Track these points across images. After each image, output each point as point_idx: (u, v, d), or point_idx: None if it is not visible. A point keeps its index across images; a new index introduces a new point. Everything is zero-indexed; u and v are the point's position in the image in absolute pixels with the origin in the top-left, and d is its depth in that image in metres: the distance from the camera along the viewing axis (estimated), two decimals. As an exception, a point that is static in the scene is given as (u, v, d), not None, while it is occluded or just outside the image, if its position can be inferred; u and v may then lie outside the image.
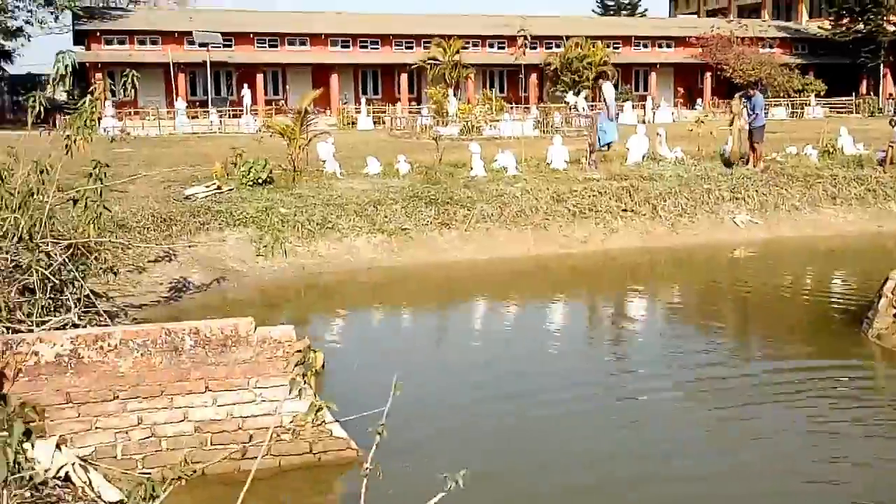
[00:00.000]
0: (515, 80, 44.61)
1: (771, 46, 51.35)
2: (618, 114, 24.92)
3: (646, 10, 71.54)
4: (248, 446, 6.21)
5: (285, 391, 6.32)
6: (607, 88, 24.24)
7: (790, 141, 22.34)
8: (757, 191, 17.83)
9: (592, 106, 38.90)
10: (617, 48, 48.98)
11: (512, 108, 36.87)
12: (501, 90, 46.10)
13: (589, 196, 16.72)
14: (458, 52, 41.41)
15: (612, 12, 69.71)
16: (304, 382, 4.15)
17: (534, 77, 45.97)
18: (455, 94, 37.27)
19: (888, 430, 7.38)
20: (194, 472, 5.38)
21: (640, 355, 10.10)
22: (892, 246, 16.62)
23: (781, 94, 46.53)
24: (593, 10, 71.74)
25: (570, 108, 36.44)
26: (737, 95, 22.02)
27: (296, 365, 4.13)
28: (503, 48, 47.53)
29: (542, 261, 15.14)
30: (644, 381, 8.88)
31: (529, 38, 37.20)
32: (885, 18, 47.81)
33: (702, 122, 21.35)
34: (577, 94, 39.95)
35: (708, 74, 49.25)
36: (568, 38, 45.85)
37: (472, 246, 15.28)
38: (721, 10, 63.45)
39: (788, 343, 10.20)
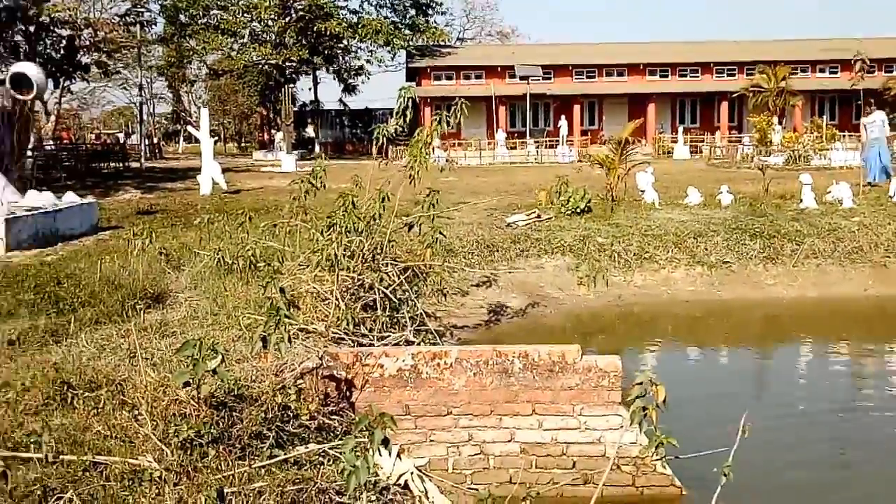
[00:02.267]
0: (848, 106, 41.51)
1: None
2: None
3: None
4: (584, 473, 6.24)
5: (609, 421, 6.31)
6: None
7: None
8: None
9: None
10: (972, 69, 43.91)
11: (844, 136, 34.30)
12: (832, 118, 43.14)
13: (939, 233, 15.06)
14: (784, 78, 39.35)
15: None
16: (645, 416, 4.10)
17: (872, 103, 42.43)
18: (780, 122, 35.41)
19: None
20: (538, 493, 5.51)
21: None
22: None
23: None
24: (942, 28, 64.91)
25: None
26: None
27: (637, 397, 4.09)
28: (835, 73, 44.48)
29: (882, 302, 13.83)
30: None
31: (867, 61, 34.46)
32: None
33: None
34: (921, 120, 36.26)
35: None
36: (911, 59, 41.86)
37: (800, 283, 14.34)
38: None
39: None
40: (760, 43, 48.29)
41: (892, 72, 43.63)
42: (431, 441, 6.37)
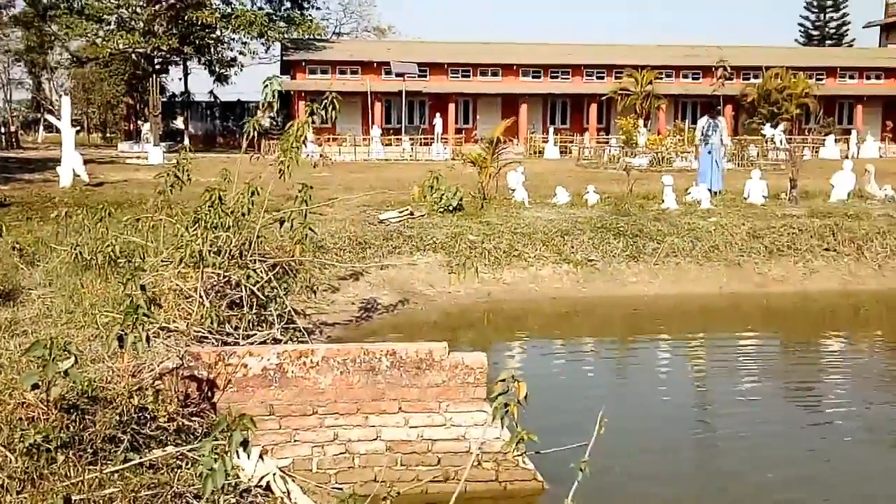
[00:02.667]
0: (708, 111, 43.45)
1: None
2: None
3: (853, 40, 67.83)
4: (445, 470, 6.29)
5: (474, 417, 6.39)
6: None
7: None
8: (979, 235, 16.40)
9: (790, 139, 37.25)
10: (820, 79, 46.70)
11: (704, 140, 35.82)
12: (694, 121, 44.98)
13: (788, 233, 15.95)
14: (650, 82, 40.83)
15: (815, 42, 66.57)
16: (506, 412, 4.17)
17: (729, 109, 44.54)
18: (645, 125, 36.72)
19: None
20: (398, 492, 5.51)
21: (832, 403, 9.49)
22: None
23: None
24: (796, 40, 68.79)
25: (768, 141, 35.01)
26: None
27: (499, 394, 4.15)
28: (698, 78, 46.44)
29: (735, 299, 14.55)
30: (833, 429, 8.35)
31: (728, 68, 36.12)
32: None
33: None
34: (774, 126, 38.34)
35: (922, 107, 46.00)
36: (767, 68, 44.15)
37: (660, 280, 14.92)
38: (939, 39, 59.15)
39: None
40: (629, 47, 49.91)
41: (749, 79, 45.90)
42: (296, 441, 6.29)
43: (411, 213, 16.21)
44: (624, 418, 8.48)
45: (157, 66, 47.70)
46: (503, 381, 4.11)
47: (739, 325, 13.41)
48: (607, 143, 37.36)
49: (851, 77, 48.67)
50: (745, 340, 12.53)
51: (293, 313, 9.89)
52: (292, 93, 43.07)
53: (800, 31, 69.28)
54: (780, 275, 15.23)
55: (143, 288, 6.21)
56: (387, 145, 39.97)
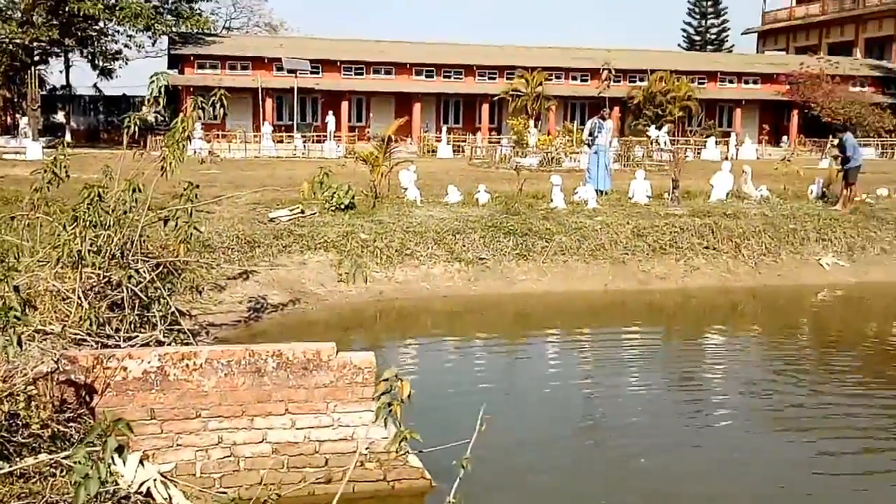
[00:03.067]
0: (598, 112, 44.49)
1: (862, 85, 50.14)
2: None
3: (733, 45, 70.67)
4: (329, 471, 6.25)
5: (362, 417, 6.37)
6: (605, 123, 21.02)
7: (881, 183, 21.75)
8: (845, 232, 17.36)
9: (674, 141, 38.52)
10: (702, 83, 48.46)
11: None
12: (583, 122, 46.00)
13: (670, 232, 16.50)
14: (540, 83, 41.54)
15: (697, 47, 69.03)
16: (390, 411, 4.17)
17: (616, 110, 45.74)
18: (536, 126, 37.34)
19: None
20: (278, 496, 5.44)
21: (712, 393, 9.91)
22: None
23: (872, 135, 45.29)
24: (679, 45, 71.19)
25: (653, 143, 36.12)
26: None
27: (383, 393, 4.15)
28: (586, 80, 47.48)
29: (620, 296, 14.97)
30: (713, 419, 8.72)
31: (613, 71, 37.10)
32: (983, 59, 46.30)
33: (788, 160, 20.91)
34: (659, 128, 39.60)
35: (795, 112, 48.29)
36: (652, 72, 45.55)
37: (549, 278, 15.21)
38: (811, 47, 62.20)
39: (874, 396, 9.82)
40: (520, 49, 50.64)
41: (635, 82, 47.25)
42: (179, 445, 6.15)
43: (302, 212, 16.04)
44: (512, 413, 8.65)
45: (36, 58, 45.67)
46: (386, 380, 4.12)
47: (624, 320, 13.81)
48: (499, 142, 37.82)
49: (731, 81, 50.67)
50: (630, 335, 12.92)
51: (178, 314, 9.64)
52: (180, 88, 41.99)
53: (683, 36, 71.82)
54: (662, 272, 15.75)
55: (16, 289, 5.96)
56: (278, 142, 39.41)
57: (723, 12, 69.90)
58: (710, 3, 69.78)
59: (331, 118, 41.80)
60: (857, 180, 18.64)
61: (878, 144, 44.58)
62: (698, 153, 39.53)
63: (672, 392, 10.18)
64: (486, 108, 46.09)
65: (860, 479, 7.33)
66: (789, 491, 7.07)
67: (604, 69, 34.52)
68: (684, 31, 71.39)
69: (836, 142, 19.90)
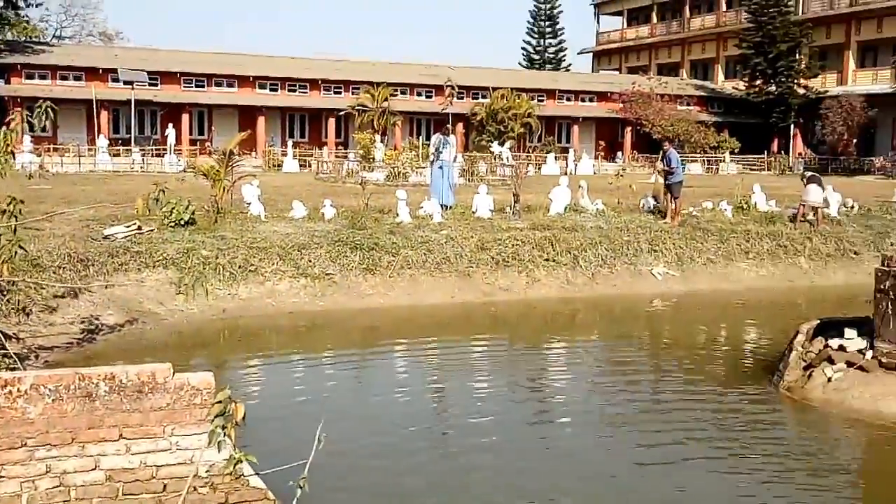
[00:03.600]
0: (440, 128, 45.13)
1: (688, 104, 53.18)
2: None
3: (570, 65, 73.40)
4: (162, 497, 6.05)
5: (202, 440, 6.19)
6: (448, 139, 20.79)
7: (706, 196, 23.14)
8: (674, 244, 18.32)
9: (516, 156, 39.57)
10: (541, 100, 50.14)
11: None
12: (428, 138, 46.57)
13: (512, 245, 16.94)
14: (386, 99, 41.78)
15: (537, 66, 71.29)
16: (224, 434, 4.09)
17: (460, 126, 46.58)
18: (382, 141, 37.51)
19: (795, 478, 7.60)
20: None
21: (555, 401, 10.26)
22: (802, 300, 17.22)
23: (698, 151, 48.10)
24: (519, 63, 73.28)
25: (496, 158, 36.99)
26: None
27: (217, 416, 4.06)
28: (431, 97, 48.16)
29: (466, 308, 15.24)
30: (554, 427, 9.04)
31: (456, 88, 37.74)
32: (795, 81, 50.13)
33: (621, 175, 21.90)
34: (501, 144, 40.61)
35: (628, 129, 50.70)
36: (494, 89, 46.69)
37: (396, 292, 15.30)
38: (641, 67, 65.60)
39: (701, 393, 10.43)
40: (365, 64, 50.81)
41: (478, 98, 48.31)
42: (1, 477, 5.78)
43: (139, 228, 15.48)
44: (359, 426, 8.66)
45: None
46: (220, 402, 4.04)
47: (470, 331, 14.06)
48: (346, 157, 37.77)
49: (569, 99, 52.65)
50: (475, 345, 13.17)
51: (3, 338, 9.14)
52: (6, 98, 39.72)
53: (523, 55, 73.91)
54: (505, 284, 16.15)
55: None
56: (115, 156, 37.85)
57: (560, 32, 72.50)
58: (547, 23, 72.20)
59: (171, 131, 40.54)
60: (681, 194, 19.70)
61: (703, 160, 47.38)
62: (539, 168, 40.78)
63: (516, 397, 10.46)
64: (332, 122, 45.95)
65: (681, 465, 7.76)
66: (618, 482, 7.45)
67: (447, 86, 34.94)
68: (524, 49, 73.58)
69: (661, 154, 20.90)
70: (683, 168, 20.29)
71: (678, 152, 21.55)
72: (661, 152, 19.99)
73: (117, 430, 6.03)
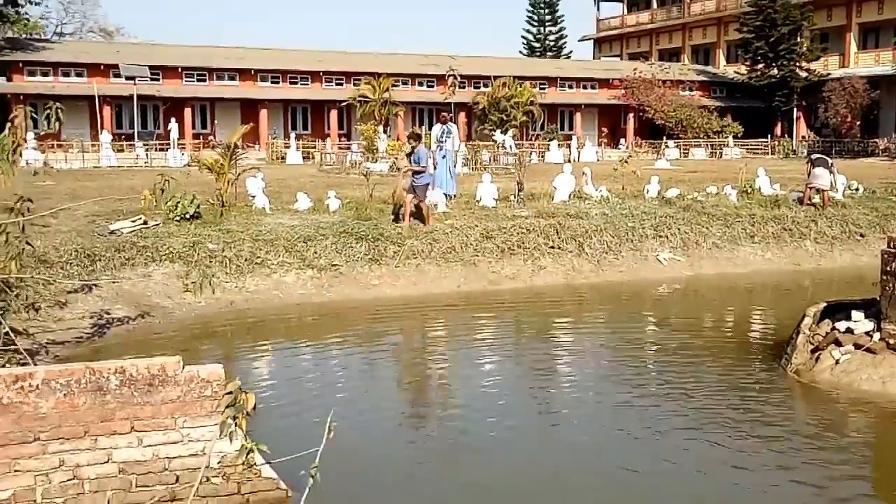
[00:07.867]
0: (442, 117, 45.09)
1: (691, 89, 53.06)
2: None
3: (570, 52, 73.21)
4: (175, 488, 6.09)
5: (213, 431, 6.24)
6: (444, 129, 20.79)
7: (710, 181, 23.11)
8: (679, 229, 18.31)
9: (519, 144, 39.54)
10: (543, 89, 49.98)
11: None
12: (430, 128, 46.54)
13: (517, 233, 16.94)
14: (387, 89, 41.72)
15: (538, 54, 71.11)
16: (235, 424, 4.11)
17: (462, 116, 46.53)
18: (385, 131, 37.48)
19: (802, 462, 7.61)
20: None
21: (564, 388, 10.27)
22: (809, 283, 17.20)
23: (701, 136, 48.00)
24: (520, 52, 73.09)
25: (499, 147, 36.94)
26: None
27: (227, 406, 4.09)
28: (432, 87, 48.08)
29: (472, 297, 15.24)
30: (565, 412, 9.06)
31: (458, 77, 37.70)
32: (797, 65, 49.94)
33: (626, 161, 21.86)
34: (504, 132, 40.55)
35: (631, 115, 50.59)
36: (495, 78, 46.59)
37: (402, 282, 15.32)
38: (642, 54, 65.41)
39: (709, 376, 10.43)
40: (366, 55, 50.74)
41: (480, 88, 48.22)
42: (16, 471, 5.84)
43: (145, 223, 15.51)
44: (368, 415, 8.69)
45: None
46: (230, 393, 4.06)
47: (477, 319, 14.05)
48: (349, 148, 37.74)
49: (570, 87, 52.53)
50: (483, 333, 13.18)
51: (13, 334, 9.19)
52: (9, 96, 39.76)
53: (523, 43, 73.72)
54: (511, 272, 16.15)
55: None
56: (119, 151, 37.85)
57: (560, 20, 72.29)
58: (547, 11, 71.99)
59: (174, 126, 40.54)
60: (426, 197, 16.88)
61: (707, 145, 47.28)
62: (542, 156, 40.74)
63: (523, 381, 10.49)
64: (334, 114, 45.90)
65: (689, 446, 7.79)
66: (627, 465, 7.46)
67: (449, 75, 34.97)
68: (524, 38, 73.38)
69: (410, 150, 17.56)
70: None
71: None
72: (411, 149, 17.30)
73: (129, 422, 6.08)
